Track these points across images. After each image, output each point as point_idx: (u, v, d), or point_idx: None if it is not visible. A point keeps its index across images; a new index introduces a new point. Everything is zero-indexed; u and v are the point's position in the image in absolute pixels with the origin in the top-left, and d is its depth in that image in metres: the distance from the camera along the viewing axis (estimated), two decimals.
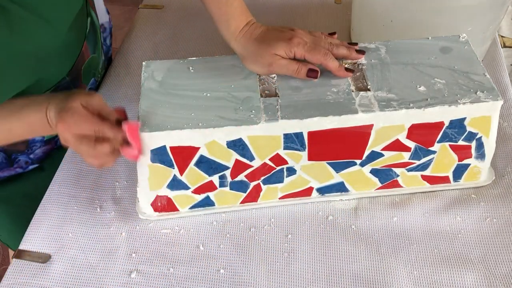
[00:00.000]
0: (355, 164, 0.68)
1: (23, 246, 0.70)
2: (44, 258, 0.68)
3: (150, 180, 0.66)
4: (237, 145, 0.63)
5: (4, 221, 0.87)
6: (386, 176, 0.71)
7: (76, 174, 0.78)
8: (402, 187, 0.72)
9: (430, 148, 0.67)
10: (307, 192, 0.72)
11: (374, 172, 0.70)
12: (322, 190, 0.72)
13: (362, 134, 0.64)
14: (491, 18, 0.82)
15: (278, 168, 0.67)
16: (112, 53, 1.02)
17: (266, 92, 0.66)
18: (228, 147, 0.64)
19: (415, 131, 0.64)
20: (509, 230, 0.68)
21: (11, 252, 1.05)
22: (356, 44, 0.70)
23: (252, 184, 0.69)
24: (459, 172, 0.71)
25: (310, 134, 0.63)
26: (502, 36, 1.18)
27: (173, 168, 0.65)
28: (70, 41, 0.74)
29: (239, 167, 0.66)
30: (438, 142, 0.66)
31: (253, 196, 0.71)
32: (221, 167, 0.66)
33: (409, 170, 0.70)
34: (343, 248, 0.68)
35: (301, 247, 0.68)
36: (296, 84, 0.66)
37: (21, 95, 0.64)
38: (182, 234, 0.70)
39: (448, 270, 0.65)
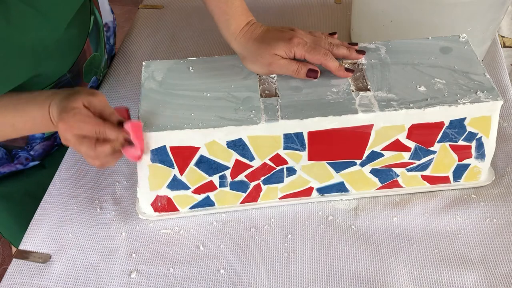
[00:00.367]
0: (355, 164, 0.68)
1: (23, 246, 0.70)
2: (44, 258, 0.68)
3: (150, 180, 0.66)
4: (237, 145, 0.63)
5: (6, 219, 0.87)
6: (386, 176, 0.71)
7: (76, 174, 0.78)
8: (402, 187, 0.72)
9: (430, 148, 0.67)
10: (307, 192, 0.72)
11: (374, 172, 0.70)
12: (322, 190, 0.72)
13: (362, 134, 0.64)
14: (491, 18, 0.82)
15: (278, 168, 0.67)
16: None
17: (266, 92, 0.66)
18: (228, 147, 0.64)
19: (415, 131, 0.64)
20: (509, 230, 0.68)
21: (13, 249, 1.05)
22: (356, 44, 0.70)
23: (252, 184, 0.69)
24: (459, 172, 0.71)
25: (310, 134, 0.63)
26: (502, 36, 1.18)
27: (173, 168, 0.65)
28: (71, 37, 0.74)
29: (239, 167, 0.66)
30: (438, 142, 0.66)
31: (253, 196, 0.71)
32: (221, 167, 0.66)
33: (409, 170, 0.70)
34: (343, 248, 0.68)
35: (301, 247, 0.68)
36: (296, 84, 0.66)
37: (20, 90, 0.64)
38: (182, 234, 0.70)
39: (448, 270, 0.65)
